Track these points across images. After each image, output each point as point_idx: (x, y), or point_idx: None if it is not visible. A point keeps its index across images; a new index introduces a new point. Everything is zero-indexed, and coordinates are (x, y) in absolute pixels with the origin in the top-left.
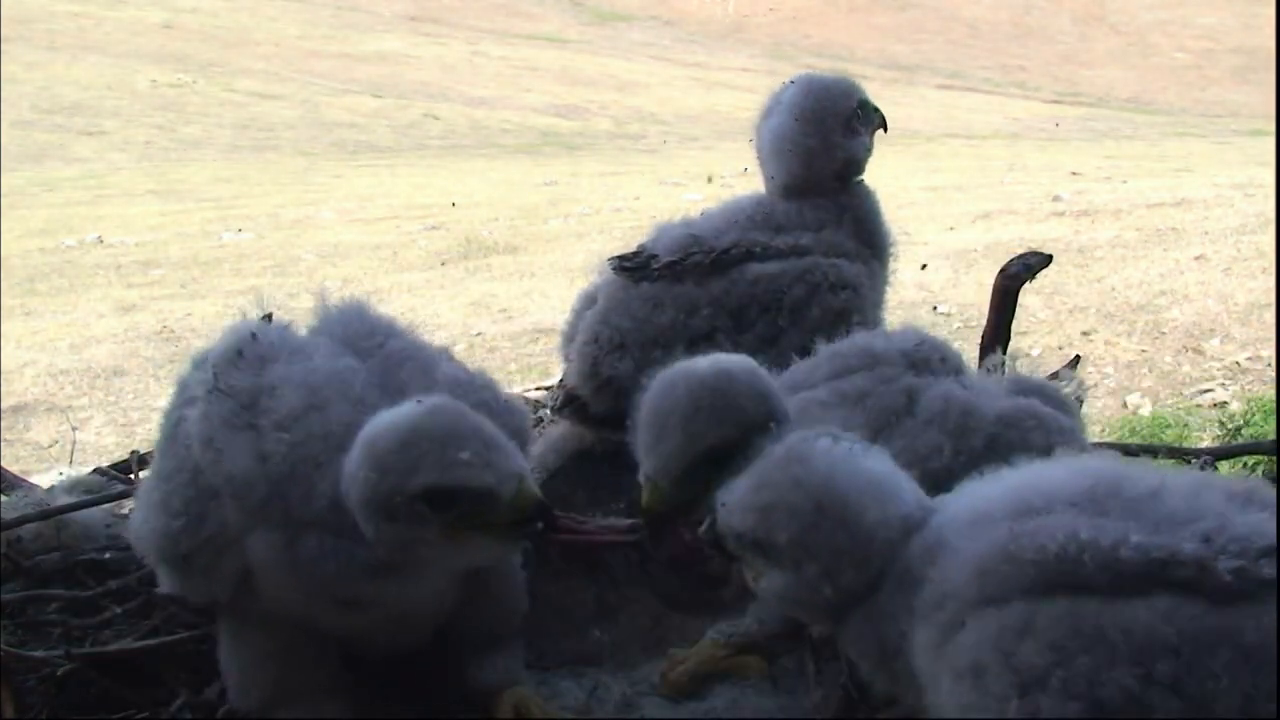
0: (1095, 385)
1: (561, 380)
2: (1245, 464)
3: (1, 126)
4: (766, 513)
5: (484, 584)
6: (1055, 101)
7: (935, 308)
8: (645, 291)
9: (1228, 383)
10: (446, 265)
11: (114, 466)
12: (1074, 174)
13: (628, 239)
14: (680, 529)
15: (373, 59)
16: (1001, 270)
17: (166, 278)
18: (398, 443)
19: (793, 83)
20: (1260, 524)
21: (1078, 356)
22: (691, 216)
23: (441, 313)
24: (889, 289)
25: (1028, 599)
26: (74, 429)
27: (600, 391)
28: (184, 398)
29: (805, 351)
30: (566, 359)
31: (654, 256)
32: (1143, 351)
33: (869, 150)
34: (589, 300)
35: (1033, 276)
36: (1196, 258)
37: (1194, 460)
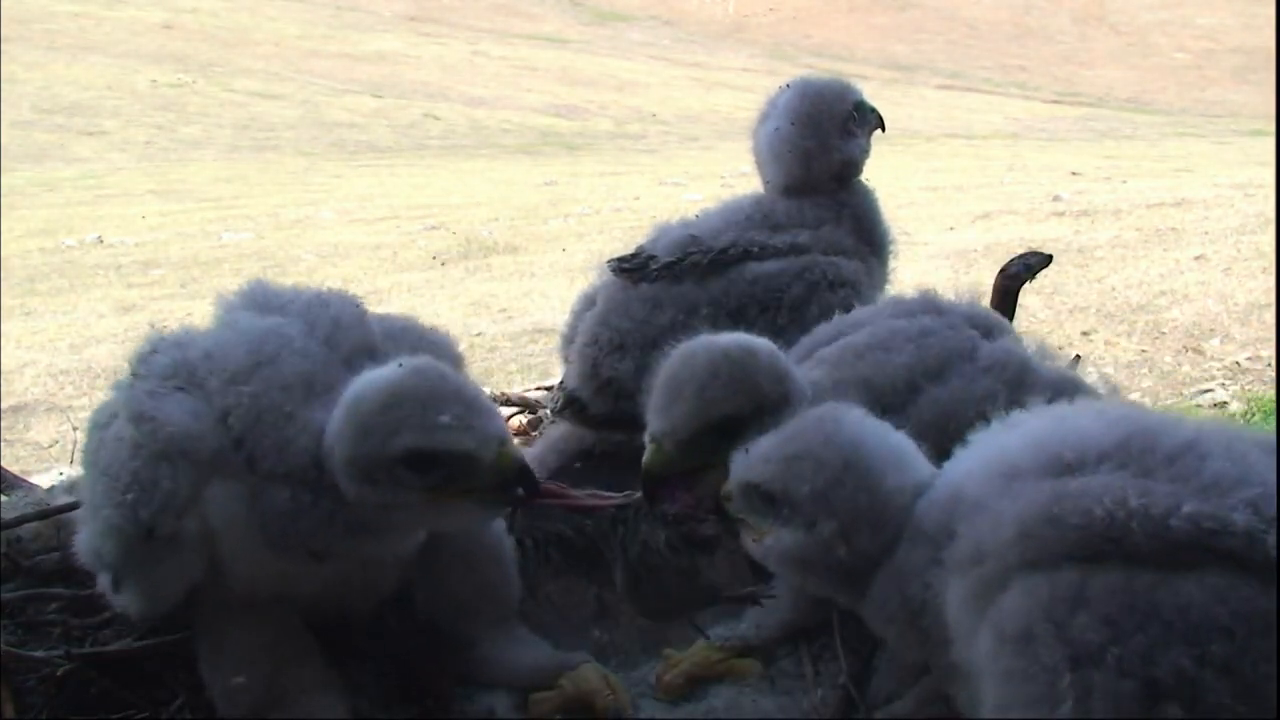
0: (1095, 385)
1: (561, 382)
2: None
3: (1, 126)
4: (792, 463)
5: (476, 566)
6: (1055, 101)
7: None
8: (644, 292)
9: (1228, 383)
10: (446, 265)
11: None
12: (1074, 174)
13: (628, 239)
14: (677, 489)
15: (373, 59)
16: (1001, 270)
17: (166, 278)
18: (379, 405)
19: (789, 86)
20: None
21: (1078, 356)
22: (689, 217)
23: (441, 313)
24: (889, 288)
25: (1078, 566)
26: (74, 429)
27: (600, 393)
28: (106, 415)
29: None
30: (566, 360)
31: (652, 257)
32: (1143, 351)
33: (866, 152)
34: (588, 302)
35: (1033, 276)
36: (1196, 258)
37: None
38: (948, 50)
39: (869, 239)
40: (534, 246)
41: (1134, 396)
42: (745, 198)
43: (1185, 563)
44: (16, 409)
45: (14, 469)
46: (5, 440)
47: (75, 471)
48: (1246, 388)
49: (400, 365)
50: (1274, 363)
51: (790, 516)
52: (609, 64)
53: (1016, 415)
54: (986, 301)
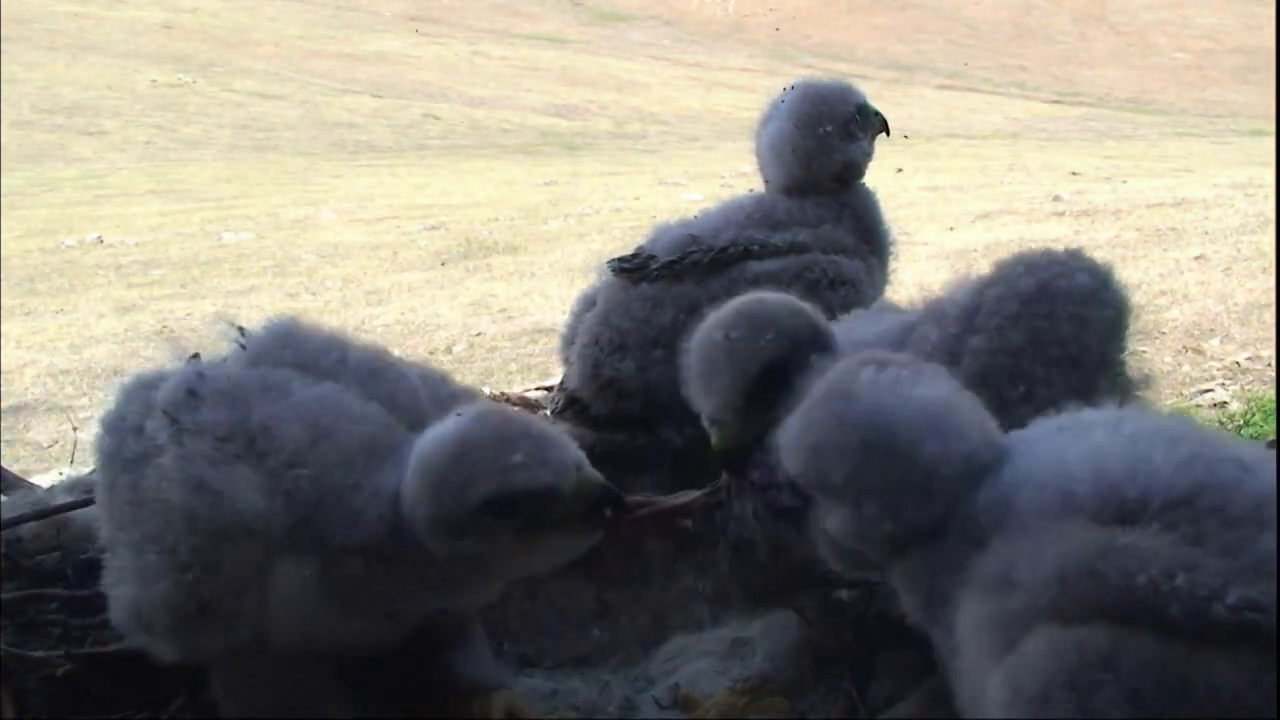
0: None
1: (561, 382)
2: None
3: (1, 126)
4: (816, 454)
5: None
6: (1055, 101)
7: None
8: (645, 292)
9: (1228, 383)
10: (446, 265)
11: None
12: (1074, 174)
13: (628, 239)
14: (755, 457)
15: (373, 59)
16: None
17: (166, 278)
18: (450, 458)
19: (792, 88)
20: None
21: None
22: (689, 217)
23: (441, 313)
24: (889, 288)
25: (1109, 625)
26: (74, 429)
27: (601, 393)
28: (133, 452)
29: None
30: (566, 361)
31: (652, 257)
32: (1142, 351)
33: (868, 155)
34: (588, 302)
35: None
36: (1196, 258)
37: None
38: (948, 50)
39: (869, 239)
40: (534, 246)
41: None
42: (745, 197)
43: (1218, 640)
44: (16, 409)
45: (14, 469)
46: (5, 440)
47: (75, 471)
48: (1246, 388)
49: (459, 415)
50: (1274, 363)
51: (836, 498)
52: (609, 64)
53: (1086, 415)
54: None
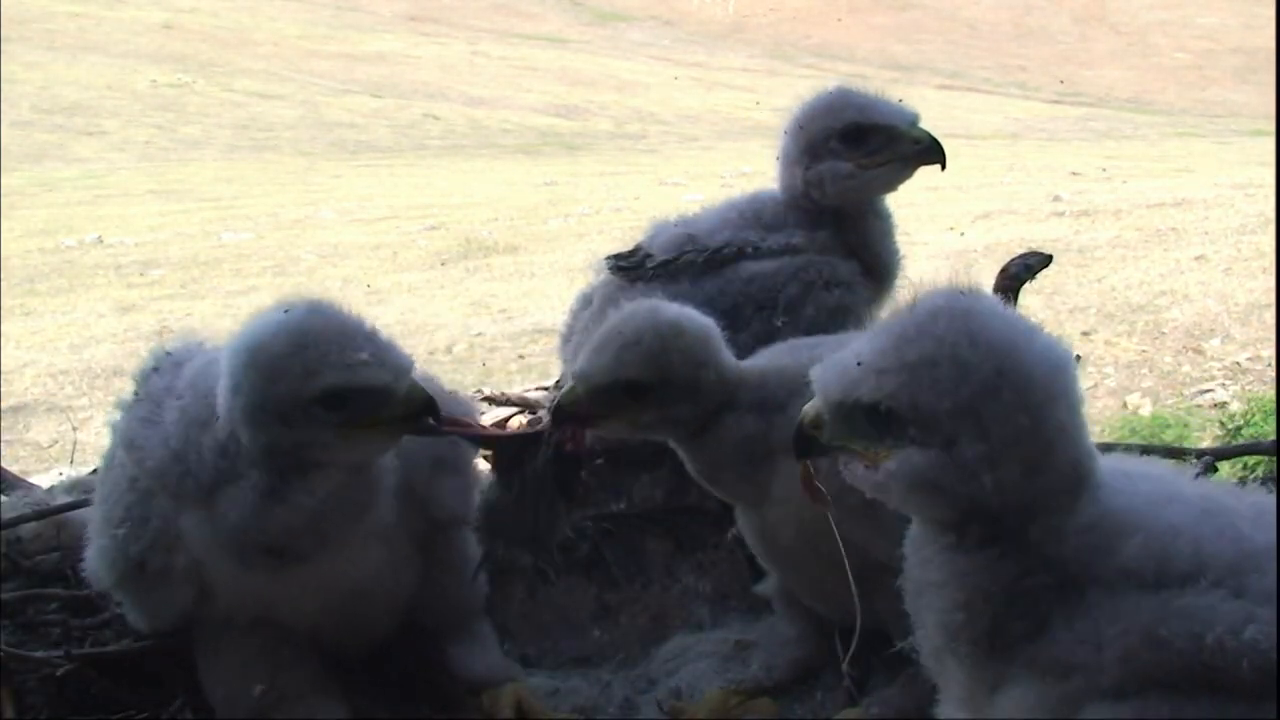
0: (1095, 385)
1: (558, 382)
2: (1245, 464)
3: (1, 126)
4: (923, 371)
5: (432, 570)
6: (1055, 101)
7: None
8: (640, 291)
9: (1228, 383)
10: (446, 265)
11: None
12: (1074, 174)
13: (627, 239)
14: (575, 429)
15: (373, 59)
16: (1001, 270)
17: (166, 278)
18: (290, 346)
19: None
20: None
21: (1078, 356)
22: (688, 215)
23: (441, 313)
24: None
25: (1170, 696)
26: (74, 429)
27: None
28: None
29: None
30: (564, 360)
31: (649, 255)
32: (1143, 351)
33: (848, 177)
34: (586, 301)
35: (1033, 276)
36: (1196, 258)
37: (1194, 460)
38: (948, 50)
39: (864, 262)
40: (534, 246)
41: (1134, 397)
42: (742, 197)
43: (1268, 692)
44: (16, 409)
45: (14, 469)
46: (5, 440)
47: (75, 471)
48: (1246, 388)
49: (288, 310)
50: (1274, 363)
51: (921, 436)
52: (609, 64)
53: (1157, 473)
54: None
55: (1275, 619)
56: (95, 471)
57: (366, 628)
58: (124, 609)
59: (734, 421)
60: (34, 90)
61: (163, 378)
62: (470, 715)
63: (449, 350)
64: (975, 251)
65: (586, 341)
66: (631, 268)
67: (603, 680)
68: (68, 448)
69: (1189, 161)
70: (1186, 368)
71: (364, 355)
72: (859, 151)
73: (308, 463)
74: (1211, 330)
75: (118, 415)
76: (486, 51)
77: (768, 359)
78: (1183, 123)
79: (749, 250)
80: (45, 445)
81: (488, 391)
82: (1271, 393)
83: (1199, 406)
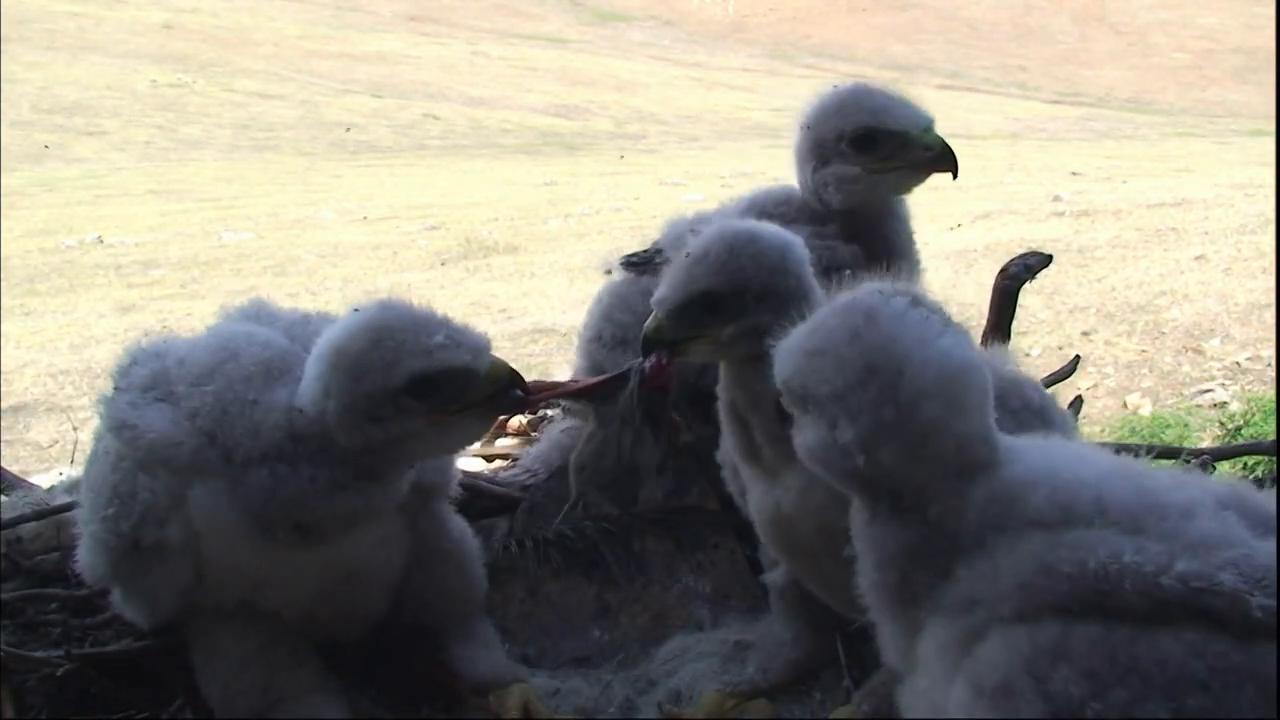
0: (1095, 385)
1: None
2: (1245, 464)
3: (1, 126)
4: (813, 359)
5: (432, 566)
6: (1055, 101)
7: None
8: (646, 287)
9: (1228, 383)
10: (446, 265)
11: None
12: (1074, 174)
13: (628, 239)
14: (664, 366)
15: (373, 59)
16: (1001, 270)
17: (166, 278)
18: (369, 343)
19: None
20: (1271, 552)
21: (1077, 356)
22: (704, 211)
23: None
24: None
25: (1062, 618)
26: (74, 429)
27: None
28: (97, 436)
29: None
30: (578, 350)
31: (659, 251)
32: (1143, 351)
33: (848, 181)
34: (600, 301)
35: (1033, 276)
36: (1196, 258)
37: (1193, 460)
38: (948, 50)
39: (887, 268)
40: (534, 246)
41: (1134, 397)
42: (762, 193)
43: (1164, 618)
44: (16, 409)
45: (14, 469)
46: (5, 440)
47: (75, 471)
48: (1246, 388)
49: (358, 310)
50: (1274, 363)
51: (814, 414)
52: (609, 64)
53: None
54: (987, 303)
55: (1165, 551)
56: None
57: (355, 613)
58: (123, 603)
59: None
60: (34, 90)
61: (143, 368)
62: (473, 716)
63: None
64: (975, 251)
65: (670, 269)
66: (642, 263)
67: (603, 680)
68: (68, 448)
69: (1189, 161)
70: (1186, 368)
71: (440, 339)
72: (868, 156)
73: (401, 460)
74: (1211, 330)
75: (101, 409)
76: (486, 51)
77: None
78: (1183, 123)
79: None
80: (45, 445)
81: None
82: (1271, 393)
83: (1199, 406)
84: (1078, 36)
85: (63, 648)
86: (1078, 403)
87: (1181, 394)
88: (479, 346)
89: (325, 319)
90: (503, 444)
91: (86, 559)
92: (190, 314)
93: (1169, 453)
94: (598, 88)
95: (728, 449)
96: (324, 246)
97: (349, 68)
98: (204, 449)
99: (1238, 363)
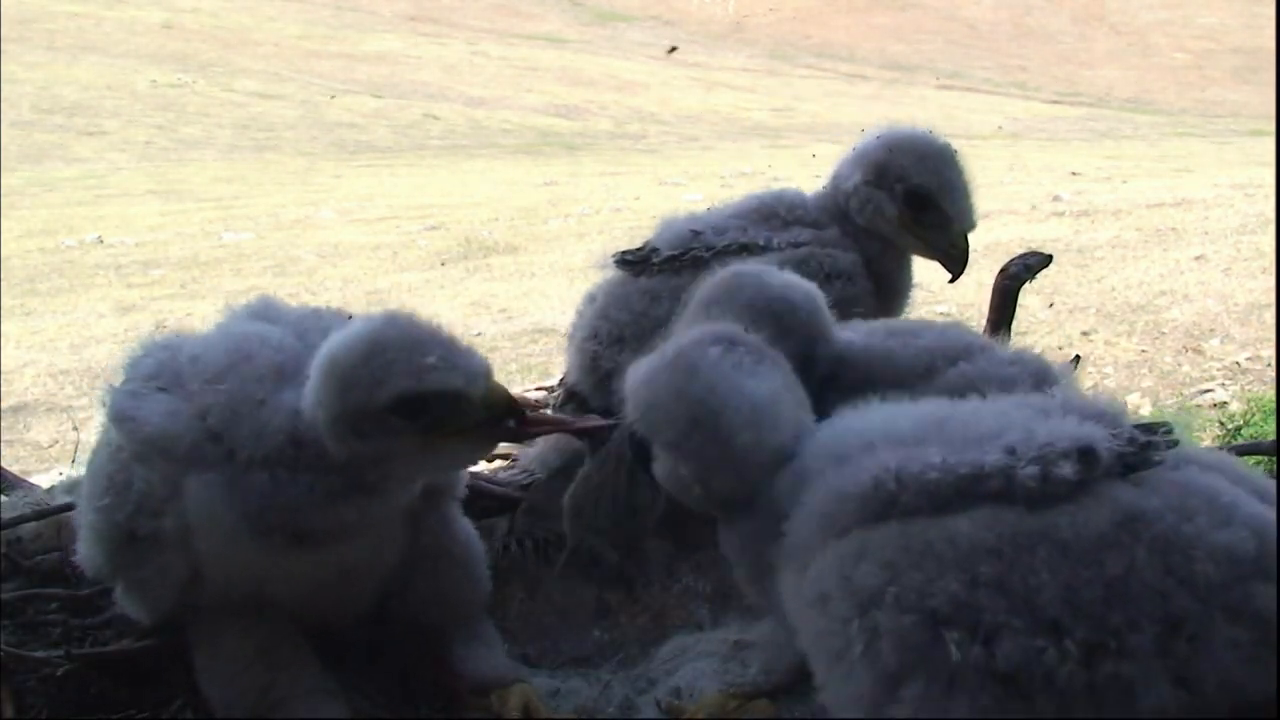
0: (1095, 385)
1: (561, 380)
2: (1244, 464)
3: (1, 126)
4: (649, 411)
5: (439, 567)
6: (1055, 101)
7: (936, 308)
8: (643, 285)
9: (1228, 383)
10: (446, 265)
11: None
12: (1074, 174)
13: (627, 239)
14: None
15: (373, 59)
16: (1001, 270)
17: (166, 278)
18: (361, 357)
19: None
20: (1063, 429)
21: (1077, 356)
22: (698, 212)
23: (441, 313)
24: None
25: (862, 528)
26: (74, 429)
27: (600, 386)
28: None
29: None
30: (570, 356)
31: (655, 250)
32: (1143, 351)
33: (885, 220)
34: (592, 300)
35: (1033, 276)
36: (1196, 258)
37: None
38: (948, 50)
39: (877, 287)
40: (534, 246)
41: (1134, 397)
42: (755, 195)
43: (952, 508)
44: (16, 409)
45: (14, 469)
46: (5, 440)
47: (75, 471)
48: (1246, 388)
49: (364, 319)
50: (1274, 363)
51: (660, 453)
52: (609, 64)
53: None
54: (987, 303)
55: (937, 453)
56: None
57: (348, 605)
58: (123, 600)
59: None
60: (34, 90)
61: (151, 359)
62: (474, 716)
63: None
64: (975, 251)
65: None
66: (636, 262)
67: (603, 680)
68: (68, 448)
69: (1189, 161)
70: (1186, 368)
71: (432, 360)
72: (909, 211)
73: (391, 478)
74: (1211, 330)
75: (106, 401)
76: (486, 51)
77: (866, 336)
78: (1183, 123)
79: (752, 246)
80: (45, 445)
81: None
82: (1271, 393)
83: (1199, 406)
84: (1077, 36)
85: (63, 648)
86: (1076, 360)
87: (1181, 394)
88: (475, 371)
89: (337, 316)
90: (502, 444)
91: (84, 551)
92: (191, 314)
93: None
94: (598, 88)
95: None
96: (324, 246)
97: (349, 68)
98: (204, 442)
99: (1238, 363)
